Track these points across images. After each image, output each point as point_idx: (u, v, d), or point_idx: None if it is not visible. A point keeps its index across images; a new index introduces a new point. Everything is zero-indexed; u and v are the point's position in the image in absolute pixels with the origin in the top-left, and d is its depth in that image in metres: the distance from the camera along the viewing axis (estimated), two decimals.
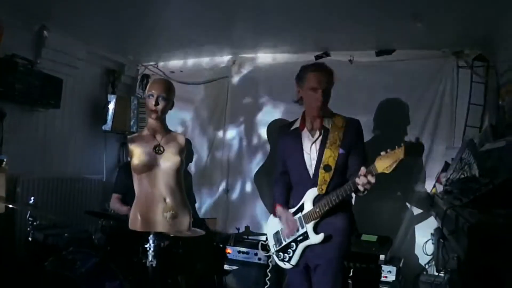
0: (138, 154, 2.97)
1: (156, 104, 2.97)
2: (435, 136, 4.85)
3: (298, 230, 3.10)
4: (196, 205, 5.01)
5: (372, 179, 2.65)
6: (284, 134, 3.32)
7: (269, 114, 5.71)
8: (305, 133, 3.15)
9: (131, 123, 5.96)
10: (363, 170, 2.67)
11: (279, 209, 3.23)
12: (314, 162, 3.06)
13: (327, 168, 3.00)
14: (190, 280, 4.04)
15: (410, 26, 4.18)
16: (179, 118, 6.04)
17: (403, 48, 5.00)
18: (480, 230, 2.18)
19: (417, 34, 4.40)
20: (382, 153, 2.61)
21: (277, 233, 3.30)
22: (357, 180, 2.70)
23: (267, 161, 5.60)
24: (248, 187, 5.80)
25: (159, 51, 6.04)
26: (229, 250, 4.64)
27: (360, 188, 2.72)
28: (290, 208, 3.19)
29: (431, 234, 4.48)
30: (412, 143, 2.55)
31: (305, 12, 4.22)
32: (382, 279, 4.09)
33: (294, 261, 3.16)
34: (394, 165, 2.55)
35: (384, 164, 2.59)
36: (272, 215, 3.41)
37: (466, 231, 2.28)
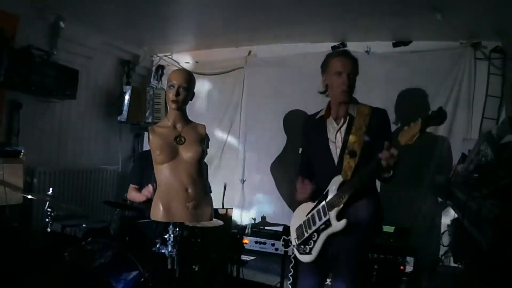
0: (159, 144, 2.98)
1: (177, 94, 2.97)
2: (452, 127, 4.80)
3: (320, 219, 2.99)
4: (211, 195, 5.01)
5: (395, 152, 2.61)
6: (309, 126, 3.27)
7: (285, 104, 5.65)
8: (330, 122, 3.09)
9: (147, 114, 5.98)
10: (386, 144, 2.64)
11: (300, 179, 3.12)
12: (339, 150, 2.99)
13: (352, 153, 2.92)
14: (205, 269, 4.07)
15: (428, 17, 4.14)
16: (194, 109, 6.00)
17: (420, 39, 4.96)
18: (505, 221, 2.17)
19: (434, 25, 4.35)
20: (405, 127, 2.60)
21: (299, 226, 3.17)
22: (380, 155, 2.65)
23: (284, 151, 5.58)
24: (264, 177, 5.75)
25: (174, 42, 6.05)
26: (246, 240, 4.65)
27: (383, 163, 2.64)
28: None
29: (448, 225, 4.47)
30: (433, 111, 2.58)
31: (322, 2, 4.20)
32: (400, 269, 4.07)
33: (315, 251, 3.03)
34: (416, 136, 2.54)
35: (406, 136, 2.58)
36: (296, 209, 3.30)
37: (490, 222, 2.27)
